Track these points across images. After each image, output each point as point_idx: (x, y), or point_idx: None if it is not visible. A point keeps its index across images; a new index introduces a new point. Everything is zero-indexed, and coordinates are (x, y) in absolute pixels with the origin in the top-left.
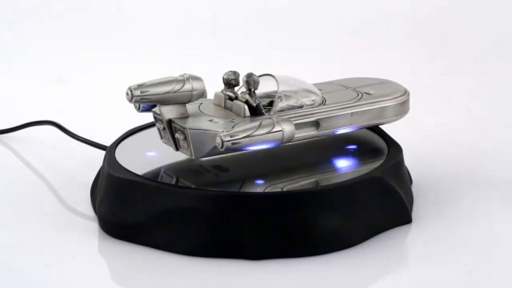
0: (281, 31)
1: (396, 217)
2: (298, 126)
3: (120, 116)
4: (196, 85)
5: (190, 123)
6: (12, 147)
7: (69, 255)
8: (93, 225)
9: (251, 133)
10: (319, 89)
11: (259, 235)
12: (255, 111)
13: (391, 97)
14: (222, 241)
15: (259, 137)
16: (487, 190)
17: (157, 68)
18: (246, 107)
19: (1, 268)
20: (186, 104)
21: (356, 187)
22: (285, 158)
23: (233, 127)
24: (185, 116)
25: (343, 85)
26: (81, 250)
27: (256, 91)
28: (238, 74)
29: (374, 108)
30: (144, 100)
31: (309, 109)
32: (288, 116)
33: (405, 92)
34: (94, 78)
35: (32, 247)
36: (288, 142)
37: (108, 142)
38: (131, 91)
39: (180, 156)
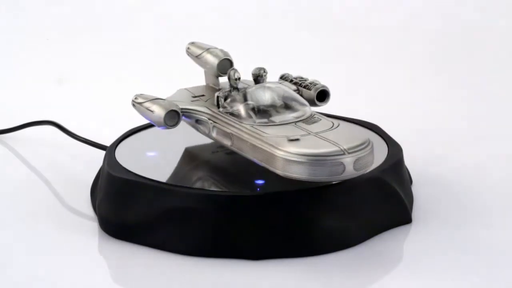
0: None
1: (396, 217)
2: (218, 132)
3: (120, 116)
4: (209, 59)
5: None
6: (12, 147)
7: (69, 255)
8: (93, 225)
9: (143, 102)
10: (332, 119)
11: (259, 235)
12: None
13: (285, 151)
14: (222, 241)
15: (143, 109)
16: (487, 189)
17: (158, 68)
18: (216, 96)
19: (1, 268)
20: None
21: (356, 187)
22: None
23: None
24: (214, 88)
25: (337, 123)
26: (81, 250)
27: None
28: (260, 70)
29: (263, 149)
30: (188, 54)
31: (237, 121)
32: (226, 119)
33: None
34: (94, 78)
35: (32, 247)
36: (165, 126)
37: (108, 142)
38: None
39: (178, 155)
